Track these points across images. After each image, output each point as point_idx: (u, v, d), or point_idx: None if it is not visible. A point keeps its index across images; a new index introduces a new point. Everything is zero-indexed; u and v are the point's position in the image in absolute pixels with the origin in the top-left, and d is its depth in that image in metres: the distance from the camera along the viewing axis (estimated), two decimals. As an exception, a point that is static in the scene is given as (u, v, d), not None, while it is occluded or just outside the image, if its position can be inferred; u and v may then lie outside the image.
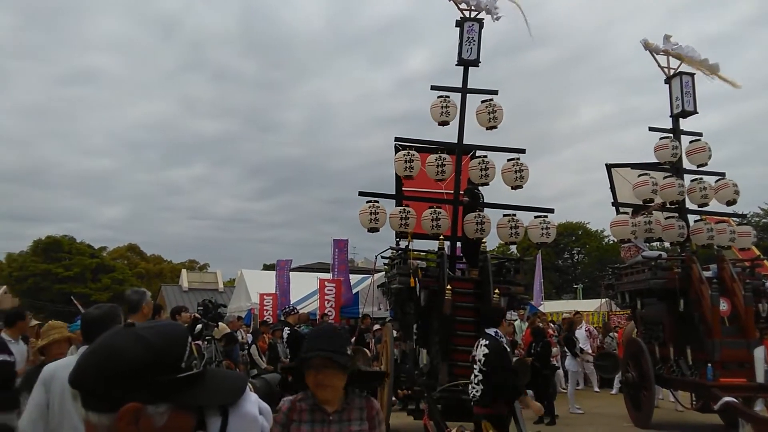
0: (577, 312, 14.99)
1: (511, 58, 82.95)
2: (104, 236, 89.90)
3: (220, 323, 8.46)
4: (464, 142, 8.42)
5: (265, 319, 15.65)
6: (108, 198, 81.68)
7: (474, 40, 8.37)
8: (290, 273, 18.31)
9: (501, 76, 77.38)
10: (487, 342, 5.59)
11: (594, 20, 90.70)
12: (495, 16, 8.40)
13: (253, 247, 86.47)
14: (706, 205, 9.51)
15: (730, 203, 9.53)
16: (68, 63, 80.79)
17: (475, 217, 8.05)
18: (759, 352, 7.99)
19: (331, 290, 15.68)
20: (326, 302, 15.49)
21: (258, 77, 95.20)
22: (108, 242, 71.72)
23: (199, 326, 8.26)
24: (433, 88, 8.43)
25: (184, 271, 36.22)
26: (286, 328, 10.39)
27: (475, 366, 5.62)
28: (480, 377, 5.51)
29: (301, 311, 13.25)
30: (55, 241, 44.50)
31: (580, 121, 77.84)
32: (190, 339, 1.12)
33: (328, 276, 17.22)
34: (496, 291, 7.45)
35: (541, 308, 17.81)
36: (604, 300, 15.06)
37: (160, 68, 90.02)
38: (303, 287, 17.74)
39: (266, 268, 36.69)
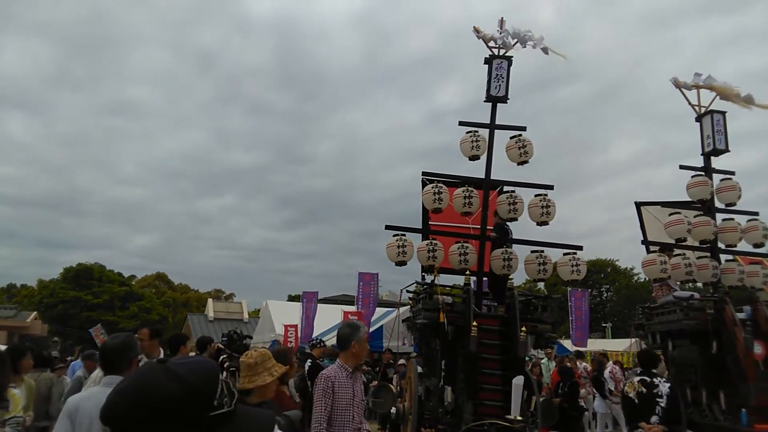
0: (603, 353, 14.64)
1: (542, 93, 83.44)
2: (134, 264, 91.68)
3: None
4: (491, 177, 8.42)
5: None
6: (140, 226, 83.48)
7: (503, 77, 8.44)
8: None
9: (532, 112, 77.82)
10: None
11: (627, 56, 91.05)
12: (538, 46, 8.45)
13: (279, 278, 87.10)
14: (735, 246, 9.31)
15: (757, 245, 9.32)
16: (108, 94, 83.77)
17: (503, 252, 7.99)
18: (797, 398, 7.68)
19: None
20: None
21: (291, 110, 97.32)
22: (138, 270, 72.83)
23: (222, 357, 8.28)
24: (461, 123, 8.48)
25: (210, 300, 36.45)
26: (308, 360, 10.33)
27: None
28: None
29: (326, 344, 13.19)
30: (86, 269, 45.32)
31: (612, 157, 77.61)
32: (221, 376, 1.10)
33: (352, 308, 17.18)
34: (523, 329, 7.34)
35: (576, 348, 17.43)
36: (633, 340, 14.71)
37: (196, 100, 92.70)
38: (327, 319, 17.72)
39: (291, 299, 36.79)
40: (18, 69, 79.77)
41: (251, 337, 12.42)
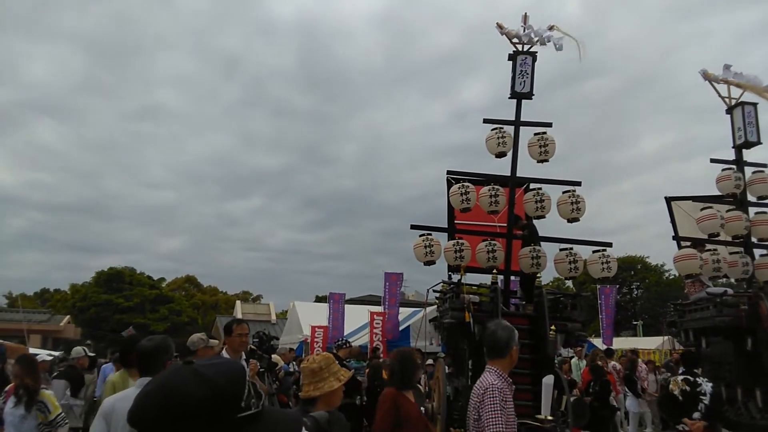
0: (633, 351, 14.41)
1: (569, 88, 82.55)
2: (164, 267, 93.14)
3: (273, 355, 8.53)
4: (517, 175, 8.35)
5: (316, 351, 15.68)
6: (169, 230, 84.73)
7: (527, 74, 8.36)
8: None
9: (559, 107, 77.13)
10: None
11: (654, 48, 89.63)
12: (557, 45, 8.37)
13: (306, 279, 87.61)
14: (775, 239, 9.08)
15: None
16: (135, 99, 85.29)
17: (531, 251, 7.92)
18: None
19: (379, 323, 15.64)
20: (375, 335, 15.44)
21: (315, 111, 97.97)
22: (167, 273, 74.11)
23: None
24: (485, 121, 8.43)
25: (238, 302, 36.83)
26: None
27: None
28: None
29: (352, 344, 13.22)
30: (117, 273, 46.13)
31: (641, 151, 76.41)
32: (249, 377, 1.10)
33: (379, 309, 17.19)
34: (552, 327, 7.26)
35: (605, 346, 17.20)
36: (666, 338, 14.46)
37: (222, 104, 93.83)
38: (353, 320, 17.76)
39: (318, 300, 36.97)
40: (48, 77, 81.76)
41: (278, 338, 12.49)
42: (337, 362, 3.51)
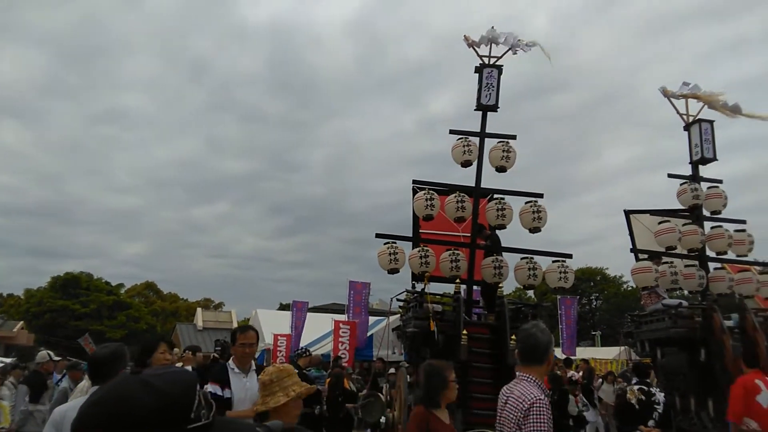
0: (585, 360, 14.67)
1: (536, 101, 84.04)
2: (125, 273, 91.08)
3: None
4: (482, 186, 8.44)
5: (278, 360, 15.53)
6: (131, 235, 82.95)
7: (493, 86, 8.48)
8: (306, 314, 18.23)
9: (526, 119, 78.24)
10: None
11: (621, 64, 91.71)
12: (525, 49, 8.48)
13: (271, 287, 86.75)
14: (725, 253, 9.37)
15: (740, 255, 9.38)
16: (101, 102, 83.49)
17: (493, 261, 8.00)
18: (786, 407, 7.71)
19: (346, 332, 15.56)
20: (340, 344, 15.35)
21: (284, 117, 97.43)
22: (128, 279, 72.38)
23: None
24: (451, 132, 8.51)
25: (199, 309, 36.18)
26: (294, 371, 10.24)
27: None
28: None
29: (314, 353, 13.13)
30: (74, 278, 44.92)
31: (604, 164, 78.06)
32: (199, 387, 1.06)
33: (343, 317, 17.11)
34: (513, 337, 7.33)
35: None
36: (623, 348, 14.76)
37: (189, 108, 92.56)
38: (317, 328, 17.64)
39: (282, 308, 36.60)
40: (11, 78, 79.37)
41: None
42: (295, 375, 3.33)
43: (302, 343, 16.02)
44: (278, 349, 16.93)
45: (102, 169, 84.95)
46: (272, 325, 19.06)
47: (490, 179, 8.48)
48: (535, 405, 3.08)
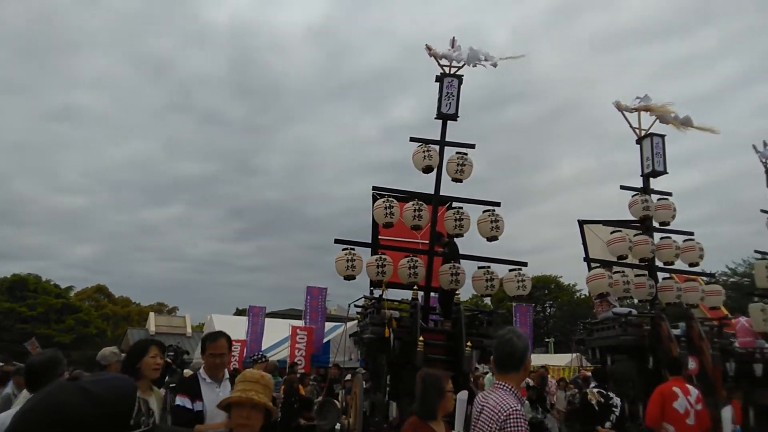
0: (543, 367, 14.92)
1: (494, 112, 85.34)
2: (74, 275, 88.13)
3: (185, 370, 8.25)
4: (441, 194, 8.52)
5: (232, 366, 15.30)
6: (81, 237, 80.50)
7: (453, 95, 8.58)
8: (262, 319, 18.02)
9: (485, 129, 79.21)
10: None
11: (578, 77, 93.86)
12: (492, 62, 8.61)
13: (226, 291, 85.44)
14: (673, 263, 9.69)
15: (692, 265, 9.71)
16: (53, 99, 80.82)
17: (451, 268, 8.08)
18: (726, 412, 7.99)
19: (303, 338, 15.46)
20: (297, 350, 15.24)
21: (244, 121, 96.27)
22: (77, 282, 70.36)
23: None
24: (412, 139, 8.57)
25: (151, 314, 35.36)
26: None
27: None
28: None
29: (270, 359, 12.99)
30: (21, 279, 43.38)
31: (560, 175, 79.72)
32: (138, 393, 1.04)
33: (300, 323, 17.00)
34: (468, 343, 7.41)
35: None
36: (575, 355, 15.08)
37: (146, 108, 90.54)
38: (274, 334, 17.47)
39: (238, 313, 36.10)
40: (-45, 71, 76.30)
41: (188, 353, 12.11)
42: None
43: (258, 349, 15.82)
44: (232, 355, 16.68)
45: (52, 168, 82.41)
46: (228, 330, 18.54)
47: (450, 187, 8.58)
48: (511, 417, 2.94)
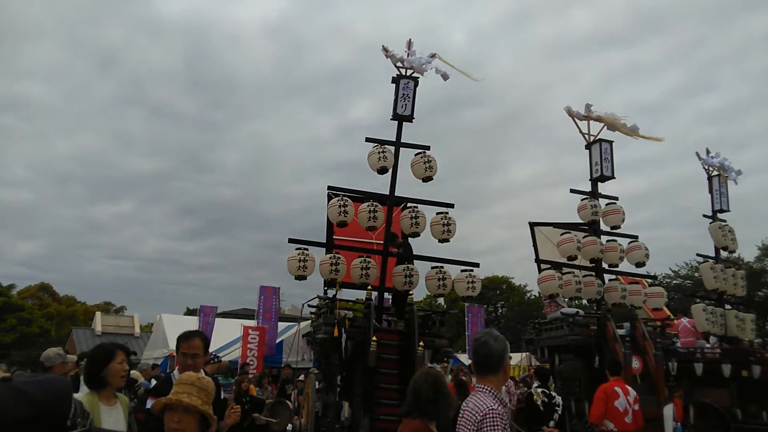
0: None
1: (451, 114, 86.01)
2: (17, 273, 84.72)
3: (132, 371, 8.04)
4: (396, 194, 8.57)
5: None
6: (25, 232, 77.25)
7: (409, 97, 8.63)
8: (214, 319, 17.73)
9: (440, 132, 79.71)
10: None
11: (531, 82, 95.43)
12: (442, 74, 8.71)
13: (177, 290, 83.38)
14: (617, 265, 10.01)
15: (639, 265, 10.06)
16: (-3, 89, 77.21)
17: (405, 269, 8.13)
18: (668, 410, 8.31)
19: (255, 338, 15.28)
20: (249, 351, 15.05)
21: (198, 116, 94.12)
22: (21, 280, 67.61)
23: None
24: (367, 140, 8.58)
25: (98, 313, 34.29)
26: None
27: None
28: None
29: (222, 360, 12.79)
30: (-43, 277, 41.44)
31: (513, 178, 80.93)
32: (74, 395, 1.01)
33: (253, 323, 16.79)
34: (421, 343, 7.47)
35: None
36: (524, 354, 15.38)
37: (96, 100, 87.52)
38: (225, 334, 17.19)
39: (189, 312, 35.39)
40: None
41: (135, 353, 11.83)
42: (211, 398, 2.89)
43: (210, 349, 15.57)
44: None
45: (-7, 161, 78.89)
46: (177, 330, 18.20)
47: (404, 188, 8.63)
48: (488, 416, 2.95)
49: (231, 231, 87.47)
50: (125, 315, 40.35)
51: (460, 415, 3.21)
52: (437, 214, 8.41)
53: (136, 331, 31.29)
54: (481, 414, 2.98)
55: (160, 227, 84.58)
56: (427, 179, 8.43)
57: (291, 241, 8.23)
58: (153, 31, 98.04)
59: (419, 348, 7.38)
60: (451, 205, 8.53)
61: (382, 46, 8.73)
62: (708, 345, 10.86)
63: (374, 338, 7.33)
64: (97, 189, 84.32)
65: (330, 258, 8.01)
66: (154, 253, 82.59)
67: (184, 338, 4.24)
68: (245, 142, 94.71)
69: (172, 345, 17.42)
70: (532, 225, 11.07)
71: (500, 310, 48.21)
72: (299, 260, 7.95)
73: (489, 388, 3.15)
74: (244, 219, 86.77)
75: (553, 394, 7.83)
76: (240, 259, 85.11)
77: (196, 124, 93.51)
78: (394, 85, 8.68)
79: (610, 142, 10.42)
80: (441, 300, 9.05)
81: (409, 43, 8.77)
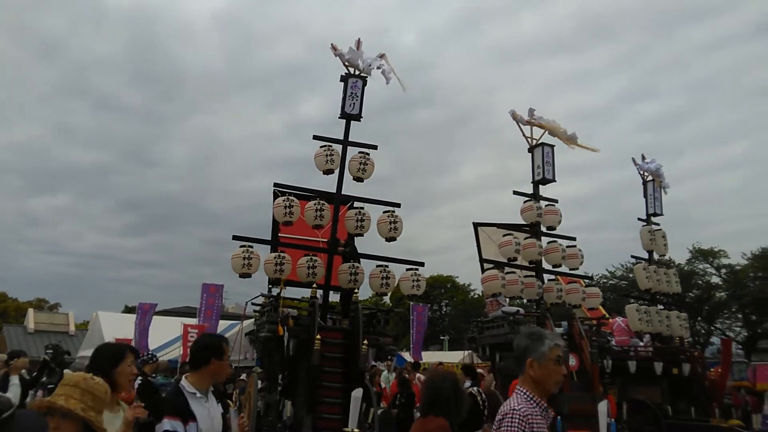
0: (440, 364, 15.39)
1: (401, 114, 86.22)
2: (-56, 267, 79.99)
3: (65, 370, 7.75)
4: (343, 193, 8.57)
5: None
6: (-48, 225, 73.20)
7: (357, 96, 8.64)
8: (154, 317, 17.28)
9: (392, 131, 79.79)
10: None
11: (479, 85, 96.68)
12: (387, 78, 8.77)
13: (116, 287, 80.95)
14: (560, 266, 10.31)
15: (573, 268, 10.39)
16: (-75, 76, 72.68)
17: (350, 267, 8.14)
18: (603, 406, 8.59)
19: (195, 337, 14.98)
20: (189, 350, 14.74)
21: (143, 108, 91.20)
22: (-56, 275, 63.93)
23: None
24: (315, 137, 8.55)
25: (30, 310, 32.86)
26: (139, 377, 9.51)
27: None
28: None
29: (161, 359, 12.48)
30: None
31: (460, 179, 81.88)
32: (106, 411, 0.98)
33: (194, 321, 16.46)
34: (365, 342, 7.50)
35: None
36: (467, 352, 15.65)
37: (35, 90, 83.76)
38: (165, 332, 16.80)
39: (128, 310, 34.39)
40: None
41: (69, 353, 11.44)
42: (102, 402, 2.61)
43: (150, 348, 15.15)
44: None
45: None
46: (115, 328, 17.77)
47: (352, 187, 8.63)
48: (506, 417, 2.77)
49: (175, 227, 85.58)
50: (60, 312, 38.82)
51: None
52: (384, 212, 8.45)
53: (71, 329, 30.15)
54: (501, 414, 2.83)
55: (100, 222, 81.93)
56: (358, 179, 8.45)
57: (235, 238, 8.12)
58: (98, 20, 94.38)
59: (363, 346, 7.41)
60: (398, 205, 8.59)
61: (331, 44, 8.72)
62: (641, 343, 11.33)
63: (318, 337, 7.31)
64: (33, 180, 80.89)
65: (275, 257, 7.94)
66: (92, 249, 79.90)
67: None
68: (193, 136, 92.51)
69: (109, 343, 16.94)
70: (476, 225, 11.29)
71: (444, 309, 48.84)
72: (244, 258, 7.85)
73: (525, 391, 2.91)
74: (189, 215, 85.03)
75: (480, 390, 8.04)
76: (183, 256, 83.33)
77: (142, 116, 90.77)
78: (343, 83, 8.68)
79: (552, 146, 10.73)
80: (387, 298, 9.10)
81: (358, 43, 8.78)
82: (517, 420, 2.73)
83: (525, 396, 2.88)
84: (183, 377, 3.39)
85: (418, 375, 14.18)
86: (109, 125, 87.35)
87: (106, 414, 2.78)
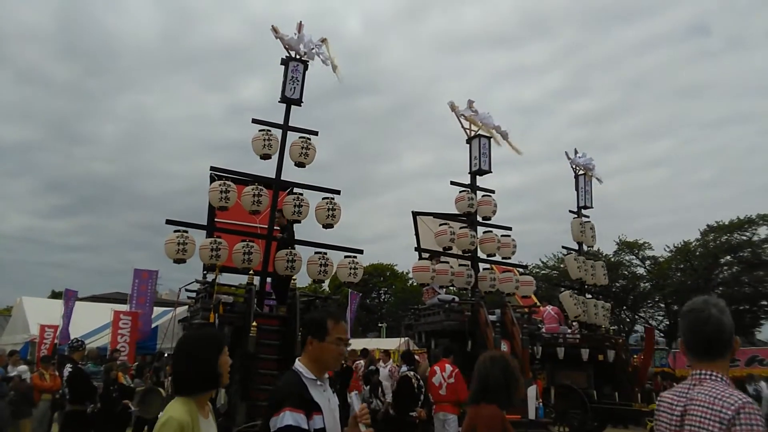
0: (386, 351, 15.52)
1: (343, 101, 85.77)
2: None
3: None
4: (282, 179, 8.48)
5: (42, 353, 13.97)
6: None
7: (298, 80, 8.56)
8: (81, 303, 16.68)
9: (334, 117, 79.34)
10: None
11: (422, 74, 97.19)
12: (326, 62, 8.70)
13: (42, 272, 77.56)
14: (494, 255, 10.57)
15: (505, 257, 10.68)
16: None
17: (287, 254, 8.08)
18: (531, 391, 8.93)
19: (127, 323, 14.59)
20: (120, 336, 14.33)
21: (72, 83, 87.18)
22: None
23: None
24: (254, 121, 8.42)
25: (-54, 295, 31.08)
26: (68, 364, 9.14)
27: None
28: None
29: (89, 346, 12.06)
30: None
31: (401, 168, 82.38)
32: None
33: (125, 307, 15.98)
34: (302, 329, 7.48)
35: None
36: (404, 339, 15.87)
37: (-51, 58, 78.50)
38: (95, 319, 16.26)
39: (54, 296, 33.00)
40: None
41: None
42: None
43: (76, 335, 14.62)
44: (44, 341, 15.27)
45: None
46: (40, 314, 17.05)
47: (291, 172, 8.55)
48: (743, 410, 2.05)
49: (105, 209, 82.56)
50: (-21, 298, 36.87)
51: (680, 412, 2.23)
52: (323, 199, 8.42)
53: (-8, 315, 28.74)
54: (733, 408, 2.07)
55: (23, 203, 78.23)
56: (300, 165, 8.39)
57: (169, 222, 7.91)
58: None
59: (300, 333, 7.39)
60: (337, 192, 8.58)
61: (272, 26, 8.58)
62: (569, 331, 11.79)
63: (254, 324, 7.24)
64: (-52, 158, 76.17)
65: (211, 242, 7.79)
66: (15, 231, 76.29)
67: (336, 320, 2.85)
68: (124, 114, 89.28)
69: (34, 330, 16.21)
70: (415, 214, 11.42)
71: (383, 297, 49.21)
72: (178, 243, 7.66)
73: (720, 375, 2.22)
74: (120, 197, 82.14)
75: (417, 375, 8.29)
76: (114, 240, 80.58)
77: (70, 91, 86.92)
78: (284, 67, 8.57)
79: (489, 138, 10.94)
80: (326, 285, 9.10)
81: (300, 26, 8.68)
82: (757, 414, 2.08)
83: (727, 383, 2.24)
84: (296, 360, 2.77)
85: (358, 362, 14.25)
86: (33, 100, 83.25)
87: (201, 420, 2.43)
